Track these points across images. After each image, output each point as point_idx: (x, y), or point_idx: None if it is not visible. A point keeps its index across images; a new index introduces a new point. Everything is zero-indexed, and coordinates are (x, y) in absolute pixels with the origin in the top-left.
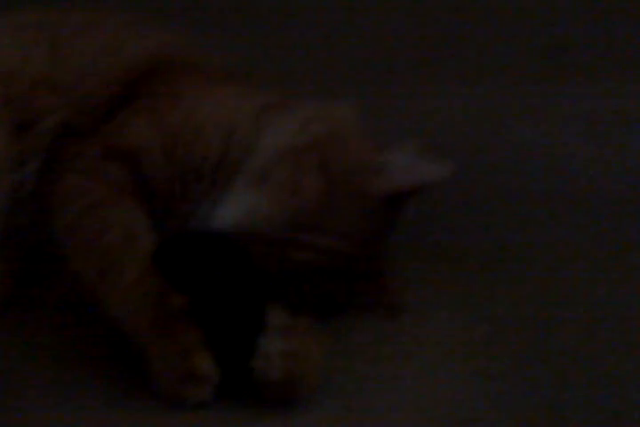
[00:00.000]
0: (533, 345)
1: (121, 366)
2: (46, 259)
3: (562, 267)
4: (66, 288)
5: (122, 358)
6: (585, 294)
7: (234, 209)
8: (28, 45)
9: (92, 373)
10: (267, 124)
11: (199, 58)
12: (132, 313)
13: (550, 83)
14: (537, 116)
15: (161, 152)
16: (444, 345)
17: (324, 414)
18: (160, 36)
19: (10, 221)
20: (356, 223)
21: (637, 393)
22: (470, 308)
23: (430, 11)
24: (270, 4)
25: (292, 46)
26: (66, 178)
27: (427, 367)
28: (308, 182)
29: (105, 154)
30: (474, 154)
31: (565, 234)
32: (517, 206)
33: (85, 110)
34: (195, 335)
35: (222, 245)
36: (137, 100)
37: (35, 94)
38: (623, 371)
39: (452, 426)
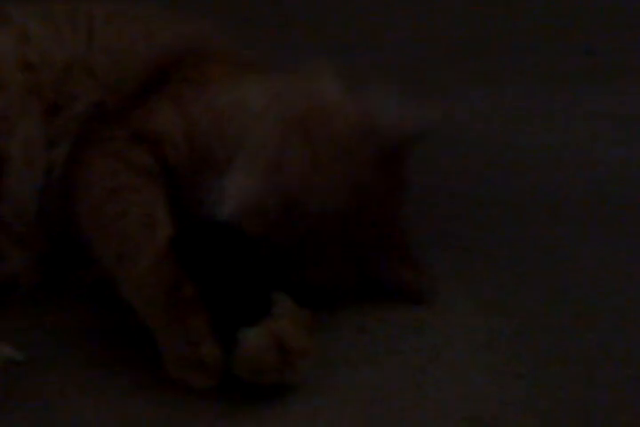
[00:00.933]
0: (560, 342)
1: (146, 353)
2: (75, 245)
3: (590, 265)
4: (94, 275)
5: (145, 345)
6: (613, 292)
7: (230, 193)
8: (62, 31)
9: (116, 359)
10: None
11: (228, 45)
12: (144, 298)
13: (580, 84)
14: (566, 117)
15: (183, 139)
16: (470, 341)
17: (347, 407)
18: (191, 23)
19: (40, 205)
20: (350, 185)
21: None
22: (497, 304)
23: (463, 12)
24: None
25: (320, 43)
26: (92, 162)
27: (452, 362)
28: (293, 156)
29: (131, 138)
30: (503, 153)
31: (595, 232)
32: (546, 204)
33: (119, 93)
34: (204, 323)
35: (233, 234)
36: (167, 85)
37: (68, 77)
38: None
39: (477, 424)
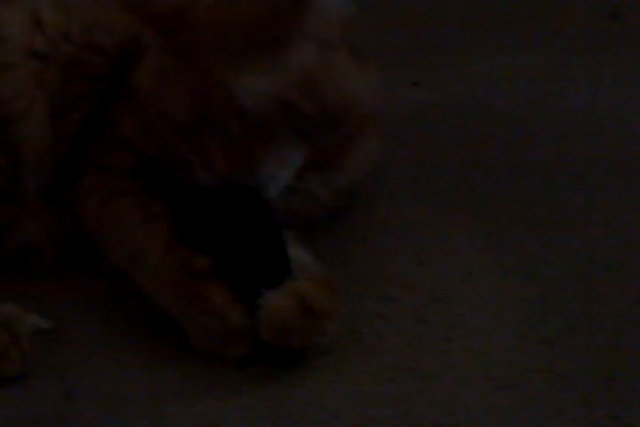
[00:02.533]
0: (585, 308)
1: (169, 324)
2: None
3: (617, 231)
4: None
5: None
6: (638, 258)
7: None
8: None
9: (140, 330)
10: None
11: None
12: (162, 289)
13: (604, 49)
14: (591, 82)
15: (143, 134)
16: (496, 307)
17: (372, 374)
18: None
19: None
20: None
21: None
22: (523, 270)
23: None
24: None
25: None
26: (83, 176)
27: (478, 330)
28: None
29: (107, 147)
30: (528, 119)
31: (621, 197)
32: (573, 170)
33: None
34: (227, 294)
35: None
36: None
37: (68, 78)
38: None
39: (503, 389)
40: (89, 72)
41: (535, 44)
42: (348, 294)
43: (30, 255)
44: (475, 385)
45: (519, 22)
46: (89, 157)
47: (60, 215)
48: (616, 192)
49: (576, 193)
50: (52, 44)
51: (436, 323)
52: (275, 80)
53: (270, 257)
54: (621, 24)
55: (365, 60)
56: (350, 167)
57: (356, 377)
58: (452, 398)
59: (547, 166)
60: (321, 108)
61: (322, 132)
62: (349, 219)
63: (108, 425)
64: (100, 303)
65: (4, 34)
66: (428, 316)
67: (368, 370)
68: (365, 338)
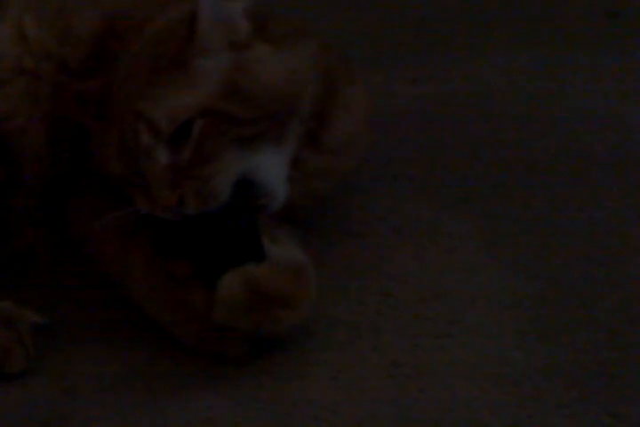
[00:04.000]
0: (584, 305)
1: None
2: None
3: (615, 227)
4: None
5: None
6: (637, 255)
7: None
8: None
9: (138, 327)
10: None
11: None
12: (149, 298)
13: (603, 47)
14: (590, 79)
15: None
16: (495, 304)
17: (371, 371)
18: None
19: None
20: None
21: None
22: (521, 267)
23: None
24: None
25: (341, 9)
26: (72, 195)
27: (477, 326)
28: None
29: (87, 169)
30: (528, 116)
31: (620, 195)
32: (573, 167)
33: None
34: (206, 297)
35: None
36: None
37: (60, 81)
38: None
39: (501, 386)
40: (66, 93)
41: (534, 42)
42: (347, 290)
43: (29, 257)
44: (474, 382)
45: (518, 19)
46: (76, 176)
47: (59, 221)
48: (615, 189)
49: (575, 190)
50: (37, 62)
51: (435, 319)
52: (194, 96)
53: (246, 254)
54: (620, 22)
55: (294, 37)
56: (339, 119)
57: (354, 374)
58: (451, 394)
59: (546, 163)
60: (253, 105)
61: (280, 119)
62: (348, 215)
63: (107, 421)
64: (100, 301)
65: None
66: (427, 312)
67: (367, 367)
68: (364, 334)
